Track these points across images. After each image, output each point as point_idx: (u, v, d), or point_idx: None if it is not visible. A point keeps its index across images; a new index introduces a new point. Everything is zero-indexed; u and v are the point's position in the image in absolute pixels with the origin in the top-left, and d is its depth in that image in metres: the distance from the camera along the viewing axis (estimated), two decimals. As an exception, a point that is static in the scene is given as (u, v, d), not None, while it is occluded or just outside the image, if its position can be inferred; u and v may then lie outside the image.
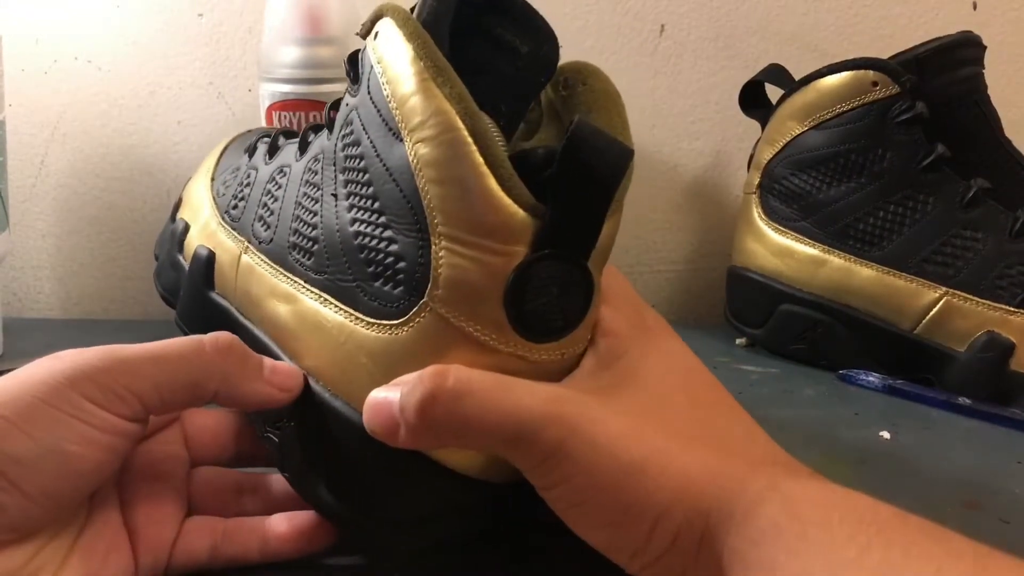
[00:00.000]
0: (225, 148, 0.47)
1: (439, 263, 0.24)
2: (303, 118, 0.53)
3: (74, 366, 0.25)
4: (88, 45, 0.62)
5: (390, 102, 0.26)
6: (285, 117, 0.54)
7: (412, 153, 0.25)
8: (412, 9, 0.27)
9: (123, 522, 0.27)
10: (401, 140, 0.25)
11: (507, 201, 0.23)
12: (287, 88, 0.53)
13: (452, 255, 0.24)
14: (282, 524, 0.29)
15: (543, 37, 0.28)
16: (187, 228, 0.42)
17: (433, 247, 0.24)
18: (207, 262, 0.37)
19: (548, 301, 0.24)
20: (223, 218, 0.38)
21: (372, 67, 0.27)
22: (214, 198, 0.41)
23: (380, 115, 0.26)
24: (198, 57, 0.63)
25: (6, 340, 0.52)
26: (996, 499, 0.37)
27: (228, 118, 0.64)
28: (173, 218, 0.45)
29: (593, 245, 0.24)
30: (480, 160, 0.23)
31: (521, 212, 0.23)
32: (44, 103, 0.62)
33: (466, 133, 0.23)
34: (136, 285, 0.64)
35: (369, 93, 0.27)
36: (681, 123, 0.71)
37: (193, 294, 0.38)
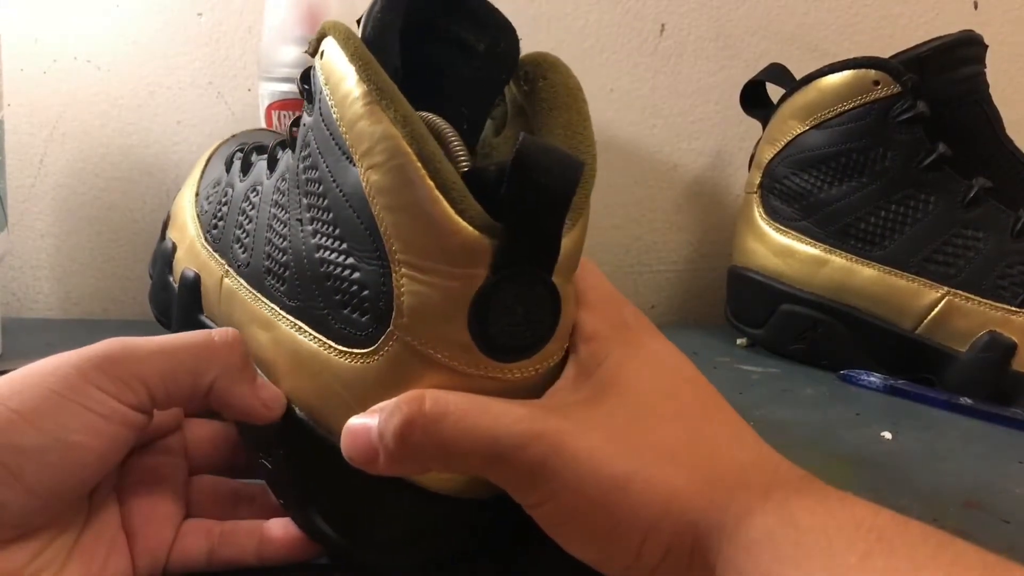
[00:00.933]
0: (209, 158, 0.47)
1: (401, 290, 0.24)
2: (303, 118, 0.53)
3: (83, 355, 0.25)
4: (88, 45, 0.62)
5: (340, 126, 0.25)
6: (285, 116, 0.54)
7: (364, 180, 0.24)
8: (360, 20, 0.27)
9: (121, 525, 0.27)
10: (354, 165, 0.25)
11: (462, 224, 0.23)
12: (287, 87, 0.53)
13: (412, 282, 0.24)
14: (278, 528, 0.29)
15: (500, 32, 0.28)
16: (175, 248, 0.41)
17: (394, 274, 0.24)
18: (193, 285, 0.37)
19: (514, 321, 0.24)
20: (205, 238, 0.38)
21: (321, 88, 0.26)
22: (198, 215, 0.40)
23: (333, 139, 0.26)
24: (198, 57, 0.63)
25: (6, 340, 0.52)
26: (997, 499, 0.37)
27: (228, 118, 0.64)
28: (163, 236, 0.45)
29: (555, 259, 0.24)
30: (431, 184, 0.23)
31: (477, 234, 0.23)
32: (44, 103, 0.62)
33: (414, 158, 0.23)
34: (136, 285, 0.64)
35: (321, 115, 0.26)
36: (681, 123, 0.71)
37: (184, 318, 0.38)
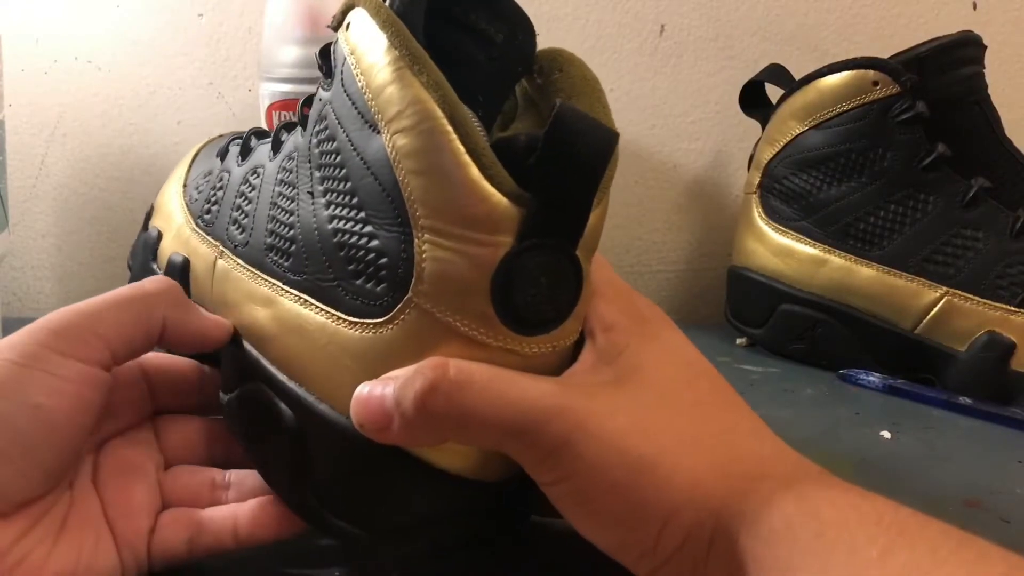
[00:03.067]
0: (196, 154, 0.46)
1: (422, 257, 0.24)
2: (303, 118, 0.53)
3: (37, 325, 0.26)
4: (88, 45, 0.62)
5: (365, 93, 0.25)
6: (285, 117, 0.54)
7: (390, 145, 0.24)
8: None
9: (105, 518, 0.27)
10: (378, 132, 0.24)
11: (490, 190, 0.22)
12: (287, 88, 0.53)
13: (436, 248, 0.23)
14: (256, 509, 0.28)
15: (519, 25, 0.28)
16: (160, 236, 0.41)
17: (416, 240, 0.24)
18: (181, 269, 0.36)
19: (537, 292, 0.24)
20: (196, 223, 0.37)
21: (345, 59, 0.26)
22: (187, 204, 0.40)
23: (355, 107, 0.25)
24: (198, 57, 0.63)
25: (6, 340, 0.52)
26: (997, 498, 0.37)
27: (228, 118, 0.64)
28: (146, 227, 0.44)
29: (581, 232, 0.23)
30: (461, 149, 0.22)
31: (505, 201, 0.22)
32: (44, 103, 0.62)
33: (445, 122, 0.23)
34: (136, 285, 0.64)
35: (343, 86, 0.26)
36: (681, 123, 0.71)
37: None
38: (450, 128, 0.23)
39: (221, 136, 0.49)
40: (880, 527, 0.21)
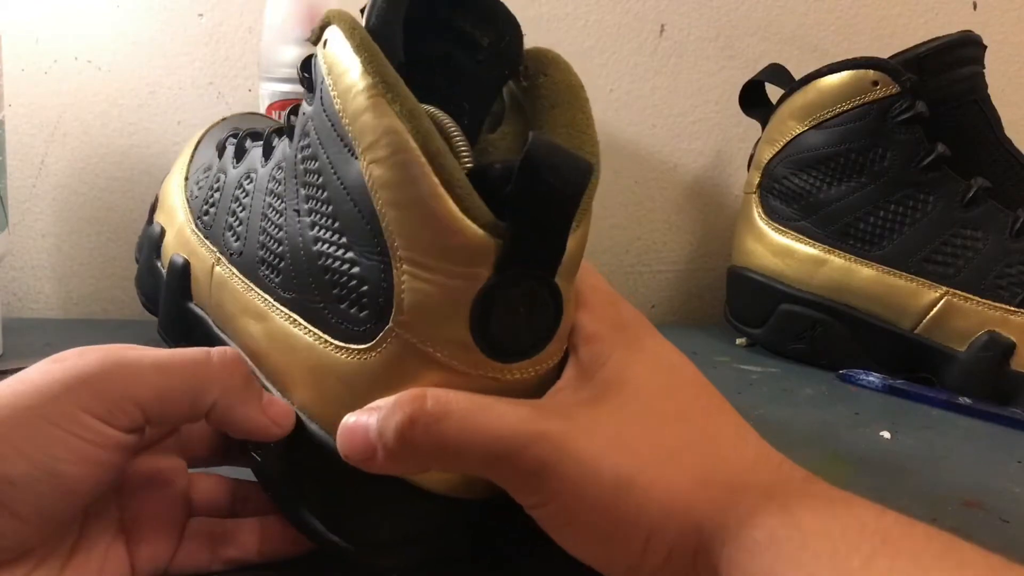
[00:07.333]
0: (198, 142, 0.46)
1: (402, 288, 0.24)
2: (303, 118, 0.53)
3: (74, 372, 0.24)
4: (88, 45, 0.62)
5: (343, 117, 0.25)
6: (285, 117, 0.54)
7: (367, 174, 0.24)
8: (363, 10, 0.26)
9: (121, 533, 0.27)
10: (356, 158, 0.24)
11: (466, 222, 0.22)
12: (287, 88, 0.53)
13: (414, 279, 0.23)
14: (278, 524, 0.29)
15: (504, 28, 0.27)
16: (163, 233, 0.41)
17: (395, 271, 0.24)
18: (182, 272, 0.36)
19: (516, 321, 0.24)
20: (196, 224, 0.37)
21: (323, 78, 0.26)
22: (187, 200, 0.40)
23: (335, 130, 0.25)
24: (198, 57, 0.63)
25: (6, 340, 0.52)
26: (996, 498, 0.37)
27: (228, 118, 0.64)
28: (151, 220, 0.44)
29: (559, 261, 0.23)
30: (436, 181, 0.22)
31: (481, 232, 0.22)
32: (44, 103, 0.62)
33: (420, 154, 0.22)
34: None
35: (323, 105, 0.26)
36: (681, 123, 0.71)
37: (171, 305, 0.37)
38: (424, 160, 0.22)
39: (224, 120, 0.49)
40: (863, 535, 0.21)
